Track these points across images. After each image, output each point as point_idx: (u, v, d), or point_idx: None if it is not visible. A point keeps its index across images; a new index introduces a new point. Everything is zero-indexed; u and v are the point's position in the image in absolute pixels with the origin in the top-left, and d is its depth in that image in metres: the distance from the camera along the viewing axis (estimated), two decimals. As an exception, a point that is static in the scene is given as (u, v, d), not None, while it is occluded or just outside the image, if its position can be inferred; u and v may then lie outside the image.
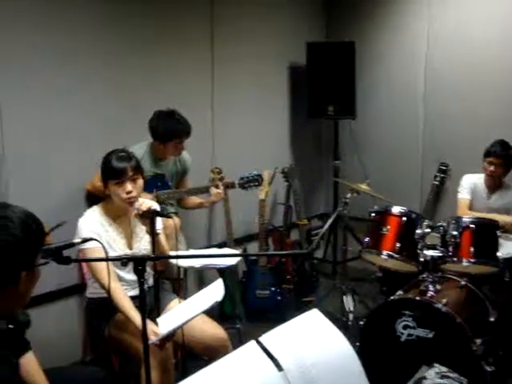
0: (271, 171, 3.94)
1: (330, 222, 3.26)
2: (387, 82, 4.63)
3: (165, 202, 3.19)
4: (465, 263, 2.95)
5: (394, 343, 2.66)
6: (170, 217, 2.50)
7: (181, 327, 2.15)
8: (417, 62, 4.41)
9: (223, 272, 3.36)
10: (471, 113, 4.13)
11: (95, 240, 1.80)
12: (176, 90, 3.60)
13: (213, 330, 2.49)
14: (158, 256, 2.35)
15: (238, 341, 3.09)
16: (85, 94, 3.12)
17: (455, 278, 2.98)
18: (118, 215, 2.50)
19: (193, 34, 3.76)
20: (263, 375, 1.11)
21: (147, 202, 2.36)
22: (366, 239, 3.20)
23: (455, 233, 2.97)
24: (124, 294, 2.35)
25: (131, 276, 2.44)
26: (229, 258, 3.11)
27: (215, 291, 2.17)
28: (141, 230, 2.52)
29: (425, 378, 1.63)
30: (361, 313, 3.54)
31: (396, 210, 3.13)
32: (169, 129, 3.07)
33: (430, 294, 2.72)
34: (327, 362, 1.20)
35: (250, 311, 3.81)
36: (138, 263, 1.73)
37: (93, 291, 2.56)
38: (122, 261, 1.76)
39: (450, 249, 2.96)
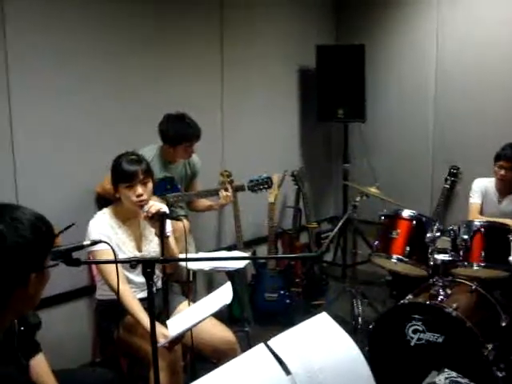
0: (281, 174, 3.94)
1: (339, 225, 3.27)
2: (397, 85, 4.61)
3: (174, 204, 3.19)
4: (475, 267, 2.92)
5: (403, 347, 2.65)
6: (179, 219, 2.52)
7: (190, 330, 2.16)
8: (427, 64, 4.39)
9: (232, 275, 3.36)
10: (481, 114, 4.11)
11: (105, 242, 1.80)
12: (184, 92, 3.60)
13: (221, 333, 2.49)
14: (167, 259, 2.35)
15: (246, 344, 3.08)
16: (85, 94, 3.11)
17: (466, 282, 2.96)
18: (128, 218, 2.51)
19: (203, 37, 3.77)
20: (271, 379, 1.11)
21: (156, 205, 2.35)
22: (376, 243, 3.19)
23: (466, 237, 2.94)
24: (133, 297, 2.36)
25: (140, 278, 2.44)
26: (238, 260, 3.11)
27: (224, 294, 2.17)
28: (150, 233, 2.53)
29: (434, 383, 1.61)
30: (370, 316, 3.52)
31: (406, 213, 3.11)
32: (179, 132, 3.06)
33: (440, 298, 2.70)
34: (335, 366, 1.19)
35: (258, 314, 3.80)
36: (146, 265, 1.74)
37: (102, 293, 2.57)
38: (131, 263, 1.77)
39: (461, 253, 2.93)
